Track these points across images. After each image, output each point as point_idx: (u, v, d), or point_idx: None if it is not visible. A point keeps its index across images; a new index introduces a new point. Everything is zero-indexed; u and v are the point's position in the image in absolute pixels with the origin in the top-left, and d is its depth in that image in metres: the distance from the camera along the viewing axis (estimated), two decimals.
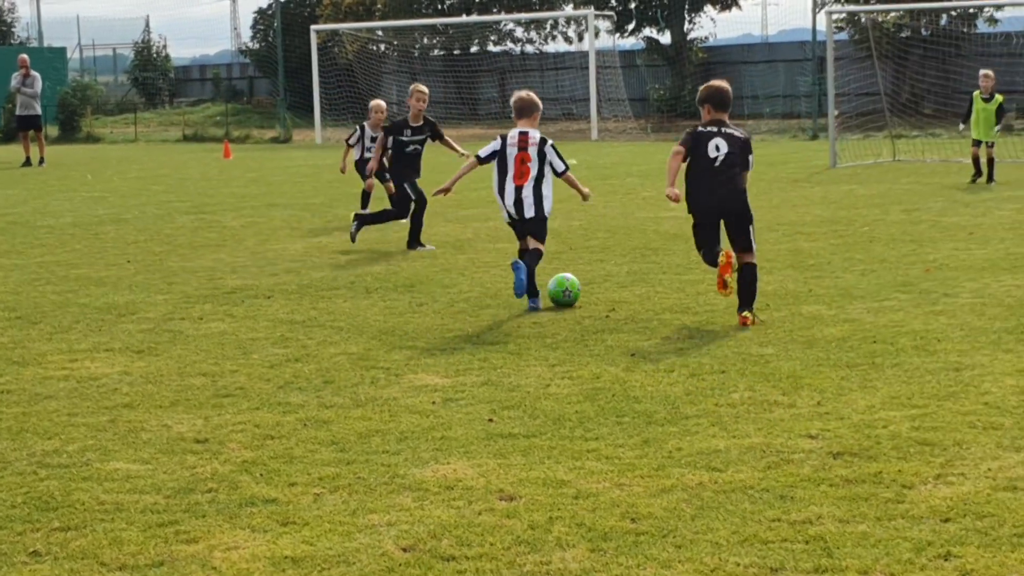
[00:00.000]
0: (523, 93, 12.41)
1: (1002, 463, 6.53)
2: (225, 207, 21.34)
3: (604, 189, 22.93)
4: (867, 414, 7.53)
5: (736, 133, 11.07)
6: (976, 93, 23.92)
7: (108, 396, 8.48)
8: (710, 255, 10.76)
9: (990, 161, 22.97)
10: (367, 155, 17.98)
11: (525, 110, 12.25)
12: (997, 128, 23.80)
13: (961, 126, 25.05)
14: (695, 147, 11.01)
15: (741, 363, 8.96)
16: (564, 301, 11.51)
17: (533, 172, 11.84)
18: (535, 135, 11.98)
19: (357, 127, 18.80)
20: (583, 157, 28.15)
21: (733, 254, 10.63)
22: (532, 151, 11.88)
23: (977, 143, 23.45)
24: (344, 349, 9.89)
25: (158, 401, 8.34)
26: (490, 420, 7.72)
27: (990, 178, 22.86)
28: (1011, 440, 6.92)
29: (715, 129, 11.04)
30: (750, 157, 11.03)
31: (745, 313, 10.53)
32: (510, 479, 6.57)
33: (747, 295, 10.61)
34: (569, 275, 11.82)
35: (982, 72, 24.58)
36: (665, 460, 6.80)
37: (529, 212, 11.81)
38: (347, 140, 18.96)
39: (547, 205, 11.94)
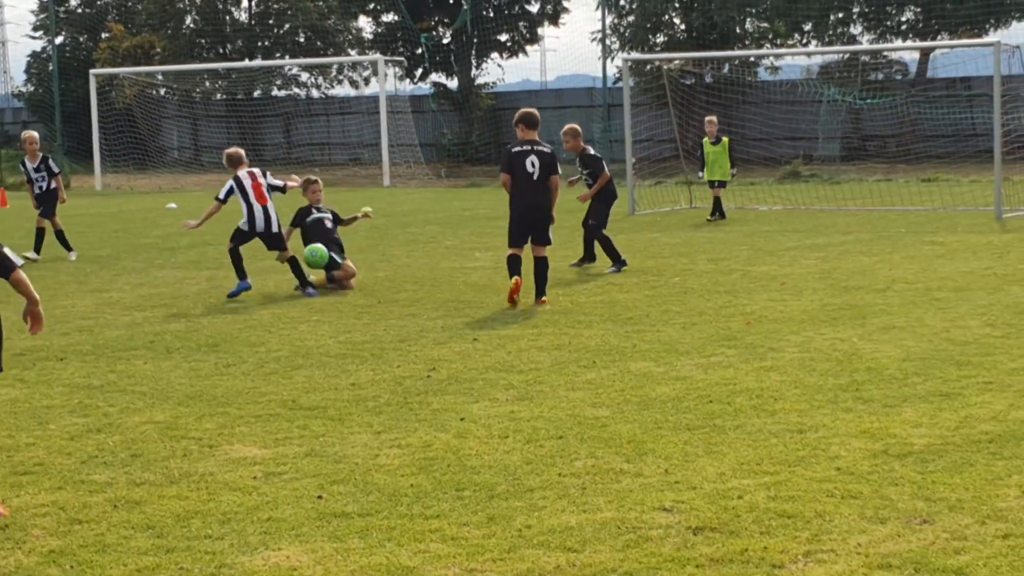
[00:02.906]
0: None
1: (871, 536, 6.24)
2: None
3: (405, 238, 22.50)
4: (719, 483, 7.19)
5: (545, 149, 14.24)
6: (705, 139, 25.80)
7: None
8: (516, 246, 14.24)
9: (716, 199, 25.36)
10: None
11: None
12: (733, 171, 26.08)
13: (700, 174, 26.20)
14: (512, 166, 14.13)
15: (578, 427, 8.57)
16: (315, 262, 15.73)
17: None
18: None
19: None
20: (378, 204, 27.64)
21: (522, 281, 14.04)
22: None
23: (712, 184, 25.55)
24: (150, 417, 9.22)
25: None
26: (319, 497, 7.16)
27: (721, 214, 25.30)
28: (874, 511, 6.63)
29: (529, 148, 14.17)
30: (557, 166, 14.29)
31: (543, 298, 14.04)
32: (350, 567, 6.04)
33: (543, 283, 14.17)
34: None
35: (707, 119, 25.87)
36: (516, 540, 6.34)
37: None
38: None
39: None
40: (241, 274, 15.70)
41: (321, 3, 59.59)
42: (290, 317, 13.88)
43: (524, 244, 14.36)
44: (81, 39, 61.63)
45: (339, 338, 12.49)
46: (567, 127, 18.00)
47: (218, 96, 59.17)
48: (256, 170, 16.34)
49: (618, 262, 17.30)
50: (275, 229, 16.05)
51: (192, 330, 13.16)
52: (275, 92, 59.21)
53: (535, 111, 14.52)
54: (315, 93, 60.22)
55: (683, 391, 9.60)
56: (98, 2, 62.94)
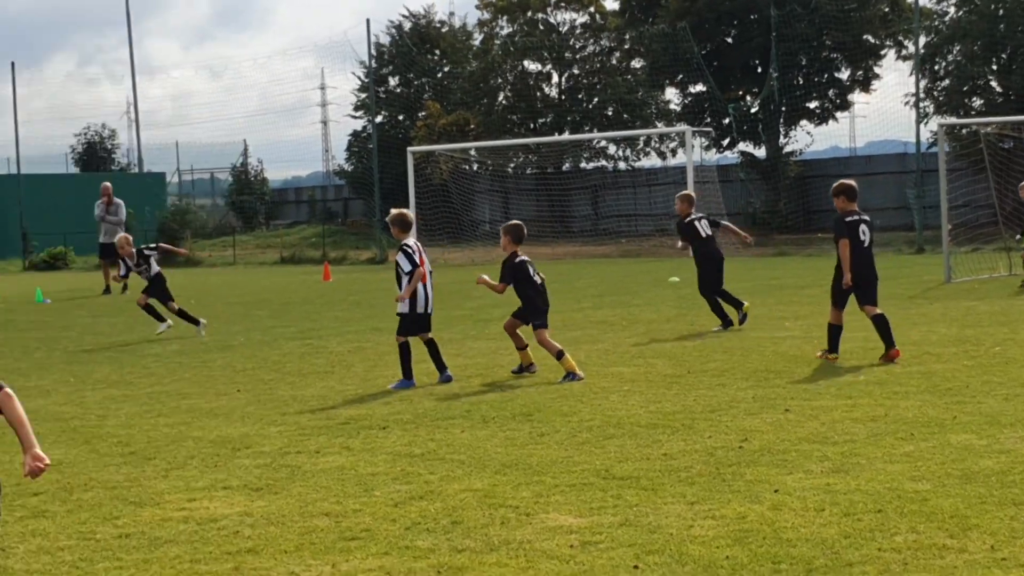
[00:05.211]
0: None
1: None
2: (330, 331, 21.12)
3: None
4: None
5: (868, 219, 15.53)
6: None
7: (230, 540, 8.09)
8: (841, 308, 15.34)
9: None
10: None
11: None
12: None
13: (1018, 237, 24.91)
14: (850, 232, 15.17)
15: (897, 500, 8.40)
16: None
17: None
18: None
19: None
20: (684, 273, 27.69)
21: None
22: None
23: None
24: (468, 485, 9.47)
25: (282, 545, 7.94)
26: (636, 567, 7.23)
27: None
28: None
29: (856, 217, 15.37)
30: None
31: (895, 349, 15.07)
32: None
33: (886, 335, 15.06)
34: None
35: (1022, 184, 24.56)
36: None
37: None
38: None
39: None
40: (408, 372, 14.83)
41: (629, 77, 60.32)
42: (600, 387, 14.03)
43: (845, 307, 15.40)
44: (399, 118, 63.93)
45: (649, 408, 12.56)
46: (682, 193, 20.71)
47: (528, 170, 60.45)
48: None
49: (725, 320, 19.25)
50: None
51: (506, 400, 13.45)
52: (583, 164, 60.13)
53: (854, 184, 15.70)
54: (622, 165, 60.86)
55: (1008, 464, 9.30)
56: (415, 82, 65.22)
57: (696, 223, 20.08)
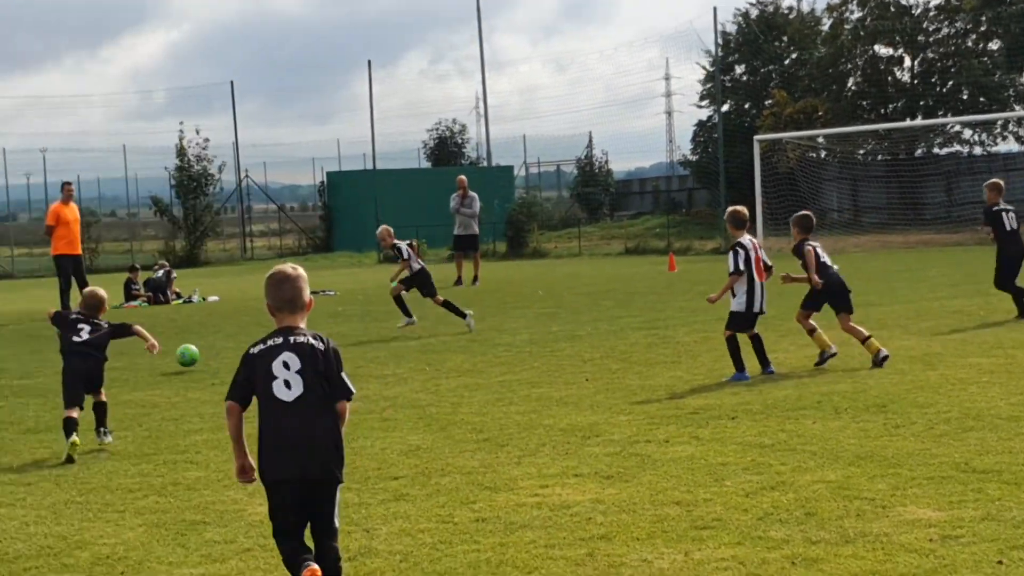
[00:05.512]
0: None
1: None
2: (676, 321, 21.12)
3: None
4: None
5: None
6: None
7: (582, 526, 8.19)
8: None
9: None
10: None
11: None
12: None
13: None
14: None
15: None
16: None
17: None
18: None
19: None
20: None
21: None
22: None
23: None
24: (821, 476, 9.30)
25: (634, 532, 7.98)
26: (1000, 562, 6.95)
27: None
28: None
29: None
30: None
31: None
32: None
33: None
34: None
35: None
36: None
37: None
38: None
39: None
40: (740, 365, 14.55)
41: (986, 59, 58.12)
42: (958, 379, 13.56)
43: None
44: (745, 106, 63.41)
45: (1011, 400, 12.08)
46: (991, 182, 19.96)
47: (878, 156, 59.02)
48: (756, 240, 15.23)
49: None
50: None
51: (859, 391, 13.15)
52: (936, 150, 58.29)
53: None
54: (978, 150, 58.73)
55: None
56: (762, 70, 64.57)
57: (1003, 214, 19.60)
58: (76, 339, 12.13)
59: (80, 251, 28.39)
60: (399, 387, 14.91)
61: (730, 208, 15.30)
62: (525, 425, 11.98)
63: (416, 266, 21.87)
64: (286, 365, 6.58)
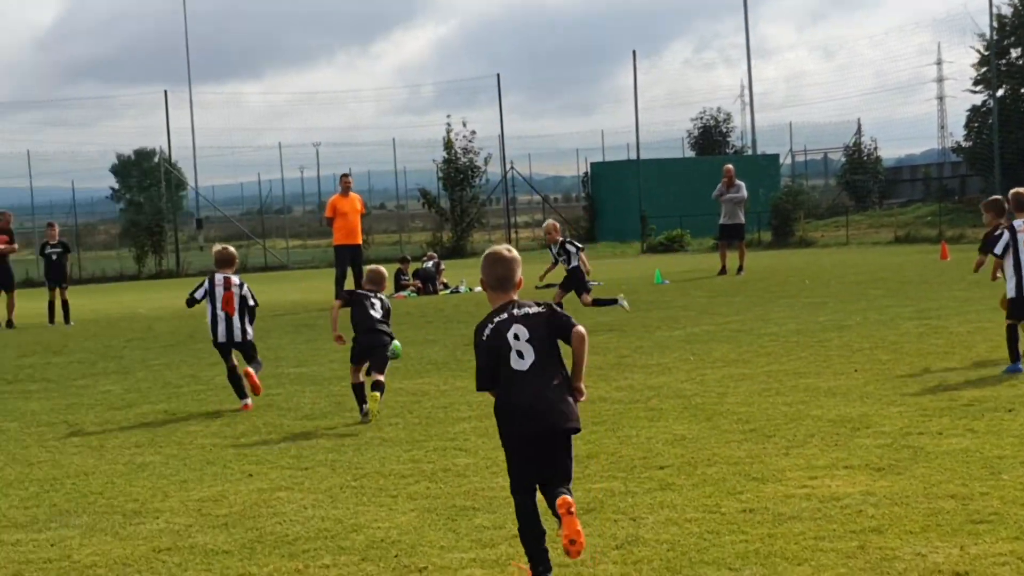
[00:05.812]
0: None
1: None
2: (949, 311, 20.53)
3: None
4: None
5: None
6: None
7: (853, 518, 8.04)
8: None
9: None
10: None
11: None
12: None
13: None
14: None
15: None
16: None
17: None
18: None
19: None
20: None
21: None
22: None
23: None
24: None
25: (907, 526, 7.80)
26: None
27: None
28: None
29: None
30: None
31: None
32: None
33: None
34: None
35: None
36: None
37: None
38: None
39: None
40: (1015, 355, 13.97)
41: None
42: None
43: None
44: (1021, 91, 61.18)
45: None
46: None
47: None
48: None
49: None
50: None
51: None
52: None
53: None
54: None
55: None
56: None
57: None
58: (373, 313, 13.27)
59: (359, 241, 29.22)
60: (663, 376, 14.90)
61: (1013, 190, 14.76)
62: (792, 416, 11.83)
63: (572, 264, 22.01)
64: (516, 336, 6.99)
